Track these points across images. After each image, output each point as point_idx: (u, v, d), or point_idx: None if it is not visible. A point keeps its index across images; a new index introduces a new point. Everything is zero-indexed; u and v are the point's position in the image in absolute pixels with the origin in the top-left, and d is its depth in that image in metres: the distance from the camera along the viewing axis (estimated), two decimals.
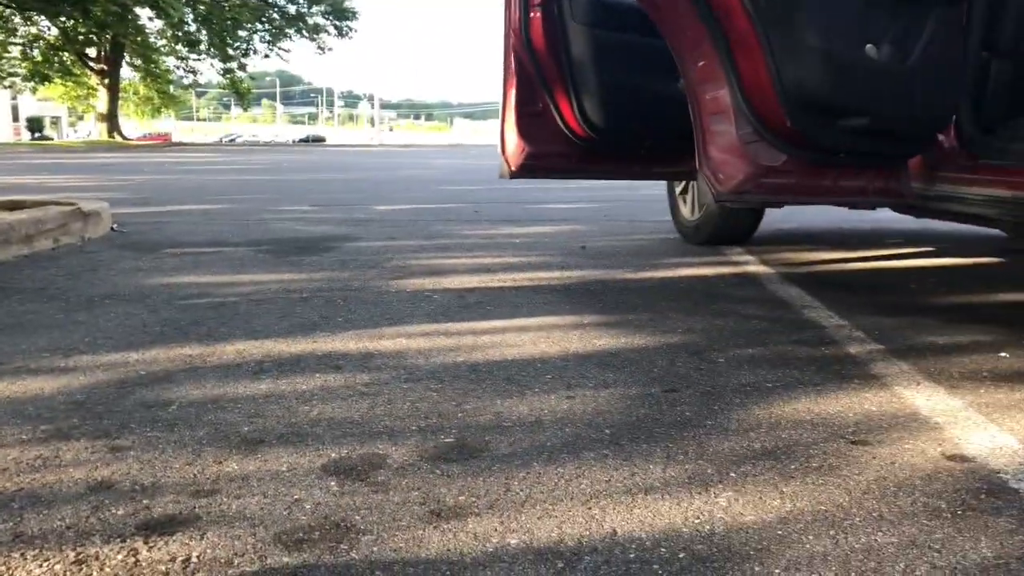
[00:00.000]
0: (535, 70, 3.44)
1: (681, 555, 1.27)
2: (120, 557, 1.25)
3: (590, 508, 1.42)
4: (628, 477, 1.55)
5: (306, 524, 1.36)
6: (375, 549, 1.28)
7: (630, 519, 1.38)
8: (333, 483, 1.52)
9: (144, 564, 1.24)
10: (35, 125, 50.52)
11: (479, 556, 1.26)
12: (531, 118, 3.48)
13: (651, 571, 1.22)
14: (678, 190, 4.94)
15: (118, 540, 1.30)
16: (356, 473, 1.56)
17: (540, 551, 1.28)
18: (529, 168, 3.52)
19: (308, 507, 1.42)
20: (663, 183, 5.09)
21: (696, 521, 1.38)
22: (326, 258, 4.13)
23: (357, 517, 1.39)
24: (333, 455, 1.65)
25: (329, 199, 7.95)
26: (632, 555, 1.27)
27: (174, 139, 47.77)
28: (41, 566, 1.23)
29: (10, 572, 1.21)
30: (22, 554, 1.26)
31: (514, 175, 3.54)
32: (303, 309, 2.95)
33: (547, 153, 3.54)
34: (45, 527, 1.34)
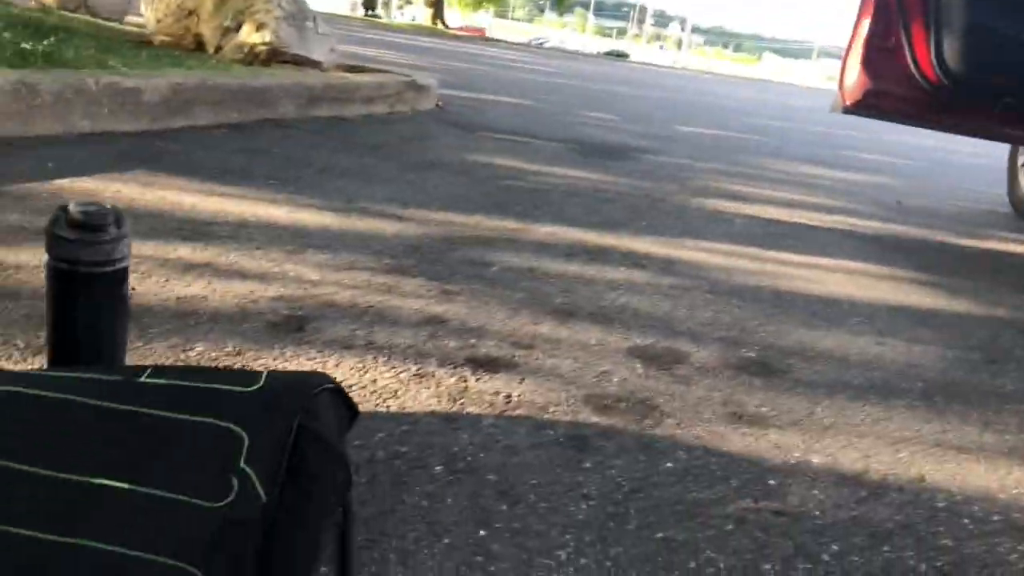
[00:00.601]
0: (896, 2, 3.19)
1: (995, 518, 1.21)
2: (452, 380, 1.40)
3: (897, 450, 1.38)
4: (939, 432, 1.48)
5: (613, 394, 1.44)
6: (678, 432, 1.33)
7: (940, 471, 1.33)
8: (638, 365, 1.58)
9: (472, 391, 1.37)
10: (369, 2, 54.26)
11: (780, 464, 1.27)
12: (880, 53, 3.25)
13: (960, 525, 1.18)
14: (1022, 160, 4.44)
15: (450, 366, 1.46)
16: (659, 362, 1.62)
17: (843, 476, 1.27)
18: (866, 106, 3.31)
19: (615, 380, 1.50)
20: (999, 149, 4.59)
21: (1016, 491, 1.29)
22: (628, 165, 4.18)
23: (660, 400, 1.44)
24: (637, 341, 1.71)
25: (631, 112, 7.97)
26: (940, 504, 1.22)
27: (487, 34, 49.61)
28: (388, 372, 1.40)
29: (366, 369, 1.39)
30: (374, 358, 1.45)
31: (847, 110, 3.35)
32: (608, 208, 3.03)
33: (888, 93, 3.30)
34: (391, 342, 1.53)
